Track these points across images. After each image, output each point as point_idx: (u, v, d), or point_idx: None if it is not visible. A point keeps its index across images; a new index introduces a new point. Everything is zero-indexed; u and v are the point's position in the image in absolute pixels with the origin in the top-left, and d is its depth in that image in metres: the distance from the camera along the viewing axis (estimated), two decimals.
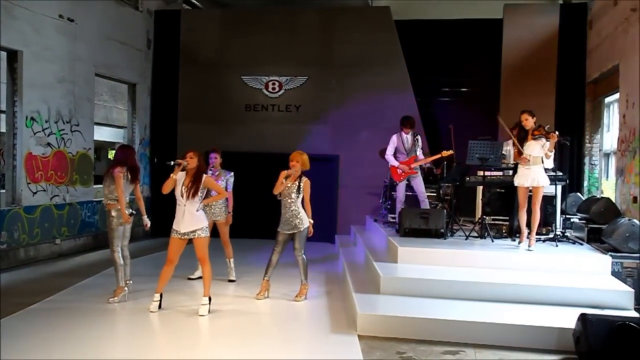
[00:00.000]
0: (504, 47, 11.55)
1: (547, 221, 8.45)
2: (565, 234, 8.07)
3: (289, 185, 6.72)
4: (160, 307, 6.23)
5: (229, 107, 12.66)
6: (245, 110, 12.66)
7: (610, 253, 7.02)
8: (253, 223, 11.41)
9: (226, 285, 7.64)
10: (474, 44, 11.99)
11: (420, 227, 8.11)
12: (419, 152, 8.95)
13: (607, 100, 10.47)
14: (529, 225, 7.41)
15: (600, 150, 10.76)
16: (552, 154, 7.37)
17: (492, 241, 7.64)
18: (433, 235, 8.07)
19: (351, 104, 12.22)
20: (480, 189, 8.73)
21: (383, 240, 8.50)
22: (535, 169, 7.32)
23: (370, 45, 12.10)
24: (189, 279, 7.78)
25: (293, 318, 6.30)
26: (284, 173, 6.73)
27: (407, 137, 8.90)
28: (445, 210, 8.57)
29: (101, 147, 18.93)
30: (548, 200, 8.44)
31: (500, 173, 8.37)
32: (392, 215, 9.50)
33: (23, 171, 9.00)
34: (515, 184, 7.52)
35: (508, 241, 7.93)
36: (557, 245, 7.59)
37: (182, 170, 6.10)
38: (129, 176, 6.60)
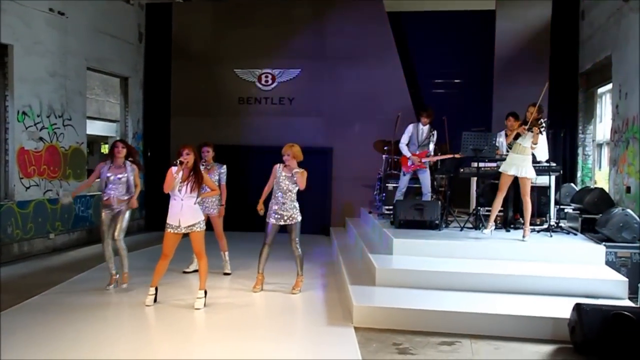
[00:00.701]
0: (497, 39, 11.56)
1: (541, 212, 8.47)
2: (559, 225, 8.09)
3: (285, 175, 6.68)
4: (155, 300, 6.21)
5: (222, 100, 12.61)
6: (238, 103, 12.63)
7: (604, 243, 7.04)
8: (246, 216, 11.35)
9: (221, 278, 7.62)
10: (466, 35, 11.97)
11: (414, 218, 8.12)
12: (432, 147, 8.94)
13: (600, 90, 10.49)
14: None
15: (593, 140, 10.79)
16: (536, 146, 7.35)
17: (483, 232, 7.58)
18: (428, 226, 8.08)
19: (344, 96, 12.20)
20: (474, 180, 8.75)
21: (378, 232, 8.50)
22: (522, 158, 7.34)
23: (363, 37, 12.08)
24: (185, 272, 7.78)
25: (289, 310, 6.30)
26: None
27: (423, 129, 8.86)
28: (439, 202, 8.58)
29: (94, 141, 18.82)
30: (542, 191, 8.47)
31: (494, 164, 8.38)
32: (387, 207, 9.50)
33: (15, 166, 8.93)
34: (500, 170, 7.57)
35: (502, 232, 7.95)
36: (551, 236, 7.61)
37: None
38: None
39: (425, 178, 8.91)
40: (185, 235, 6.21)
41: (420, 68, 12.18)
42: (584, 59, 10.69)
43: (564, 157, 10.73)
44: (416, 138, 8.86)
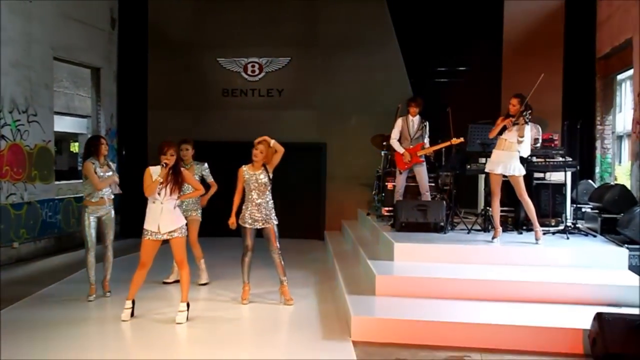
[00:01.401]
0: (506, 22, 11.54)
1: (556, 212, 8.48)
2: (577, 225, 8.08)
3: (256, 174, 6.68)
4: (132, 315, 6.16)
5: (204, 93, 12.57)
6: (222, 96, 12.61)
7: (626, 245, 7.03)
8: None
9: (197, 289, 7.57)
10: (472, 19, 11.90)
11: (417, 220, 8.12)
12: (426, 140, 8.93)
13: (620, 77, 10.48)
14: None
15: (612, 132, 10.79)
16: (523, 139, 7.32)
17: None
18: (432, 229, 8.08)
19: (339, 87, 12.19)
20: (482, 177, 8.73)
21: (377, 235, 8.48)
22: (508, 155, 7.32)
23: (358, 21, 12.08)
24: (165, 282, 7.75)
25: (280, 324, 6.29)
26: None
27: (414, 120, 8.87)
28: (444, 202, 8.57)
29: (62, 140, 18.74)
30: (557, 189, 8.47)
31: None
32: (387, 209, 9.48)
33: None
34: (486, 170, 7.58)
35: (514, 234, 7.94)
36: (568, 238, 7.62)
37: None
38: None
39: (422, 174, 8.89)
40: (165, 242, 6.17)
41: (421, 55, 12.13)
42: (601, 42, 10.67)
43: (581, 151, 10.61)
44: (407, 131, 8.86)
